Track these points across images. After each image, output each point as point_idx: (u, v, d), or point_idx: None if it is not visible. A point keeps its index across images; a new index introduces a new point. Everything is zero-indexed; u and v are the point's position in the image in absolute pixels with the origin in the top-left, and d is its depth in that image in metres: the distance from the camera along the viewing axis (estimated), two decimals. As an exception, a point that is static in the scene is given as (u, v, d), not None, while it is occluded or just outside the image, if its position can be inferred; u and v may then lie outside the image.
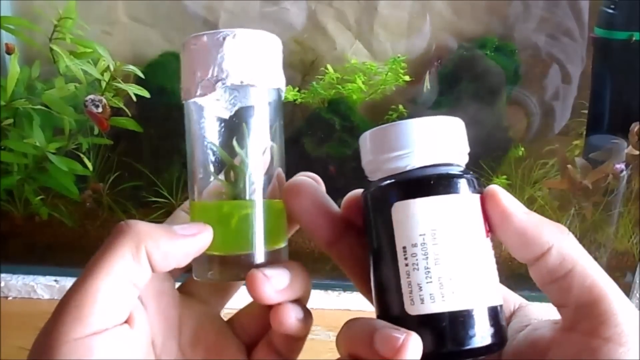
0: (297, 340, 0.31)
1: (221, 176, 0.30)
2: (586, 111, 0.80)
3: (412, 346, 0.24)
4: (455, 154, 0.28)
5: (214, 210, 0.30)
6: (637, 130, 0.74)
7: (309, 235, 0.30)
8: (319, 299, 0.70)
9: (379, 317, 0.28)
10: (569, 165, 0.77)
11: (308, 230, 0.30)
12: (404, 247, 0.26)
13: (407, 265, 0.26)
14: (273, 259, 0.30)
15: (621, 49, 0.78)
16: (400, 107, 0.77)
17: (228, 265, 0.30)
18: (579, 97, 0.82)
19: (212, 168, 0.30)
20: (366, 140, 0.29)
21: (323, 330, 0.65)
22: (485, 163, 0.78)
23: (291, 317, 0.29)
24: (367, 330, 0.26)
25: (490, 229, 0.27)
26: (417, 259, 0.26)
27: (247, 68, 0.29)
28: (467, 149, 0.29)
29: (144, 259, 0.27)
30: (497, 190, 0.27)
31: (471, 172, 0.28)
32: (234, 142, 0.30)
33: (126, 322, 0.27)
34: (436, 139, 0.28)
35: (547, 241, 0.26)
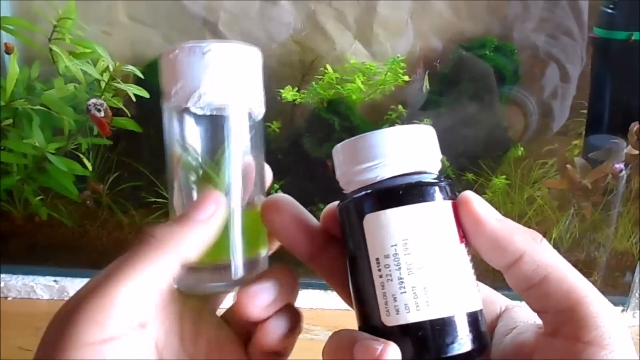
0: (289, 338, 0.31)
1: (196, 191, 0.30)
2: (585, 111, 0.81)
3: (390, 356, 0.24)
4: (426, 162, 0.28)
5: None
6: (636, 130, 0.74)
7: (290, 250, 0.30)
8: (318, 299, 0.70)
9: (360, 327, 0.28)
10: (568, 165, 0.77)
11: (288, 245, 0.30)
12: (377, 259, 0.26)
13: (381, 276, 0.26)
14: (253, 267, 0.30)
15: (620, 48, 0.78)
16: (400, 107, 0.77)
17: (207, 275, 0.30)
18: (578, 97, 0.82)
19: (189, 177, 0.30)
20: (338, 152, 0.29)
21: (323, 330, 0.65)
22: (485, 163, 0.78)
23: (276, 334, 0.29)
24: (348, 341, 0.26)
25: (464, 235, 0.27)
26: (390, 270, 0.26)
27: (224, 86, 0.29)
28: (439, 156, 0.29)
29: (170, 270, 0.27)
30: (470, 196, 0.27)
31: (444, 179, 0.28)
32: (199, 152, 0.30)
33: (141, 325, 0.27)
34: (405, 148, 0.28)
35: (519, 248, 0.26)
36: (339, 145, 0.29)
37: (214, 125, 0.30)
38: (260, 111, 0.32)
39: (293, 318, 0.30)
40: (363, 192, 0.27)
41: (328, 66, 0.77)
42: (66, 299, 0.28)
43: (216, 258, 0.30)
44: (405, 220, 0.26)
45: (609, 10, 0.77)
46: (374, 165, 0.27)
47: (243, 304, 0.28)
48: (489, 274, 0.29)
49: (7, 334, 0.61)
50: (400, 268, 0.26)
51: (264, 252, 0.31)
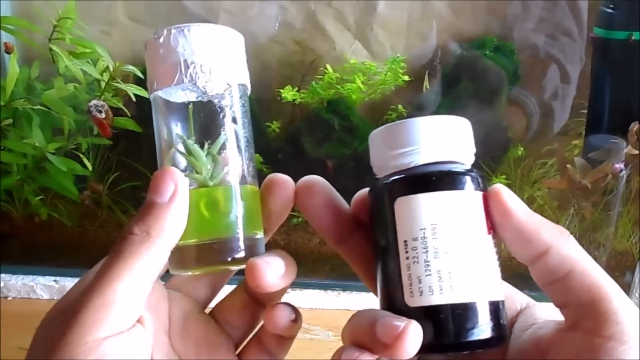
0: (287, 340, 0.32)
1: (191, 169, 0.30)
2: (585, 111, 0.81)
3: (412, 334, 0.25)
4: (460, 153, 0.29)
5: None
6: (636, 130, 0.74)
7: (320, 233, 0.31)
8: (318, 299, 0.70)
9: (382, 309, 0.28)
10: (568, 165, 0.77)
11: (319, 228, 0.31)
12: (405, 241, 0.27)
13: (407, 258, 0.27)
14: (252, 245, 0.30)
15: (620, 48, 0.78)
16: (400, 107, 0.77)
17: (206, 254, 0.29)
18: (578, 97, 0.82)
19: (181, 161, 0.30)
20: (375, 137, 0.30)
21: (322, 330, 0.65)
22: (485, 163, 0.78)
23: (285, 318, 0.30)
24: (369, 319, 0.26)
25: (492, 227, 0.28)
26: (417, 253, 0.27)
27: (217, 62, 0.29)
28: (473, 149, 0.30)
29: (159, 261, 0.27)
30: (500, 189, 0.28)
31: (476, 171, 0.28)
32: (193, 133, 0.30)
33: (138, 321, 0.27)
34: (442, 137, 0.28)
35: (547, 241, 0.26)
36: (376, 130, 0.30)
37: (209, 104, 0.30)
38: (249, 88, 0.32)
39: (296, 312, 0.31)
40: (397, 177, 0.28)
41: (328, 66, 0.77)
42: (61, 297, 0.28)
43: (215, 233, 0.29)
44: (435, 206, 0.27)
45: (609, 10, 0.77)
46: (410, 151, 0.28)
47: (258, 270, 0.28)
48: (509, 274, 0.29)
49: (6, 334, 0.61)
50: (427, 251, 0.26)
51: (260, 234, 0.31)
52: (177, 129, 0.31)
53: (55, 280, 0.72)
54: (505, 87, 0.79)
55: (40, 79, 0.72)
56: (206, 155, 0.30)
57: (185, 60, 0.29)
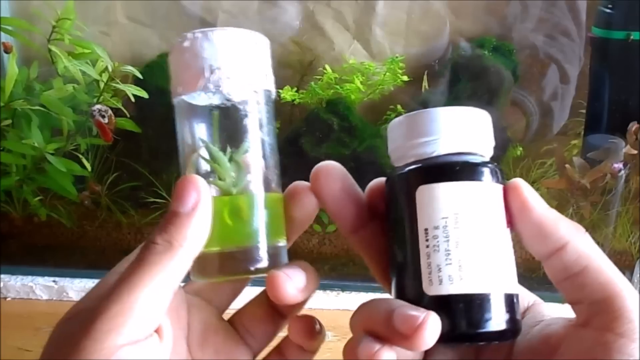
0: (309, 354, 0.31)
1: (214, 175, 0.30)
2: (584, 111, 0.81)
3: (431, 325, 0.24)
4: (480, 145, 0.29)
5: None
6: (635, 130, 0.74)
7: (334, 219, 0.30)
8: (318, 299, 0.70)
9: (397, 298, 0.28)
10: (567, 165, 0.77)
11: (334, 214, 0.30)
12: (426, 229, 0.27)
13: (427, 246, 0.27)
14: (275, 253, 0.30)
15: (619, 48, 0.78)
16: (399, 107, 0.77)
17: (228, 262, 0.29)
18: (577, 97, 0.82)
19: (204, 166, 0.30)
20: (394, 127, 0.30)
21: (322, 330, 0.65)
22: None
23: (310, 329, 0.29)
24: (385, 309, 0.26)
25: (510, 220, 0.28)
26: (438, 241, 0.26)
27: (242, 68, 0.29)
28: (493, 142, 0.30)
29: (181, 271, 0.26)
30: (520, 183, 0.28)
31: (495, 164, 0.29)
32: (217, 140, 0.30)
33: (157, 329, 0.27)
34: (463, 128, 0.28)
35: (564, 236, 0.27)
36: (396, 119, 0.30)
37: (233, 110, 0.30)
38: (274, 94, 0.32)
39: (321, 325, 0.30)
40: (419, 165, 0.28)
41: (327, 66, 0.77)
42: (65, 299, 0.28)
43: (237, 241, 0.29)
44: (458, 195, 0.27)
45: (607, 10, 0.77)
46: (431, 141, 0.28)
47: (279, 284, 0.28)
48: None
49: (6, 335, 0.61)
50: (448, 240, 0.26)
51: (283, 242, 0.31)
52: (200, 134, 0.30)
53: (54, 281, 0.72)
54: (506, 87, 0.79)
55: (39, 79, 0.72)
56: (229, 162, 0.30)
57: (210, 66, 0.29)
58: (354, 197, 0.30)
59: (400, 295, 0.28)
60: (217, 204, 0.28)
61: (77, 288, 0.66)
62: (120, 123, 0.68)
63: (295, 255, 0.31)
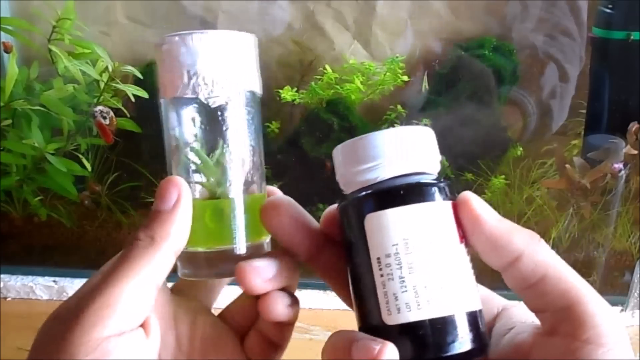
0: (286, 326, 0.32)
1: (199, 175, 0.31)
2: (584, 111, 0.81)
3: (388, 355, 0.25)
4: (425, 163, 0.28)
5: (194, 208, 0.30)
6: (635, 130, 0.74)
7: (288, 250, 0.31)
8: (317, 299, 0.70)
9: (360, 328, 0.28)
10: (567, 165, 0.77)
11: (287, 245, 0.30)
12: (378, 258, 0.26)
13: (382, 275, 0.26)
14: (256, 251, 0.31)
15: (619, 48, 0.78)
16: (399, 107, 0.77)
17: (212, 261, 0.31)
18: (577, 97, 0.82)
19: (189, 167, 0.31)
20: (338, 153, 0.29)
21: (322, 330, 0.65)
22: (484, 163, 0.78)
23: (278, 305, 0.30)
24: (346, 341, 0.26)
25: (463, 235, 0.27)
26: (391, 269, 0.26)
27: (221, 72, 0.29)
28: (439, 157, 0.29)
29: (165, 266, 0.27)
30: (469, 196, 0.27)
31: (443, 180, 0.28)
32: (199, 141, 0.30)
33: (144, 324, 0.27)
34: (405, 149, 0.28)
35: (518, 247, 0.26)
36: (338, 146, 0.29)
37: (214, 112, 0.30)
38: (259, 93, 0.32)
39: (293, 299, 0.31)
40: (364, 192, 0.28)
41: (327, 66, 0.77)
42: (66, 299, 0.28)
43: (219, 242, 0.30)
44: (406, 220, 0.26)
45: (608, 10, 0.77)
46: (374, 166, 0.27)
47: (244, 274, 0.29)
48: (487, 274, 0.29)
49: (6, 335, 0.61)
50: (401, 267, 0.26)
51: (267, 238, 0.32)
52: (184, 135, 0.31)
53: (54, 281, 0.72)
54: (495, 86, 0.79)
55: (39, 79, 0.72)
56: (213, 162, 0.30)
57: (188, 71, 0.29)
58: (304, 228, 0.30)
59: (364, 324, 0.28)
60: (201, 205, 0.30)
61: (77, 288, 0.66)
62: (120, 123, 0.68)
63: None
